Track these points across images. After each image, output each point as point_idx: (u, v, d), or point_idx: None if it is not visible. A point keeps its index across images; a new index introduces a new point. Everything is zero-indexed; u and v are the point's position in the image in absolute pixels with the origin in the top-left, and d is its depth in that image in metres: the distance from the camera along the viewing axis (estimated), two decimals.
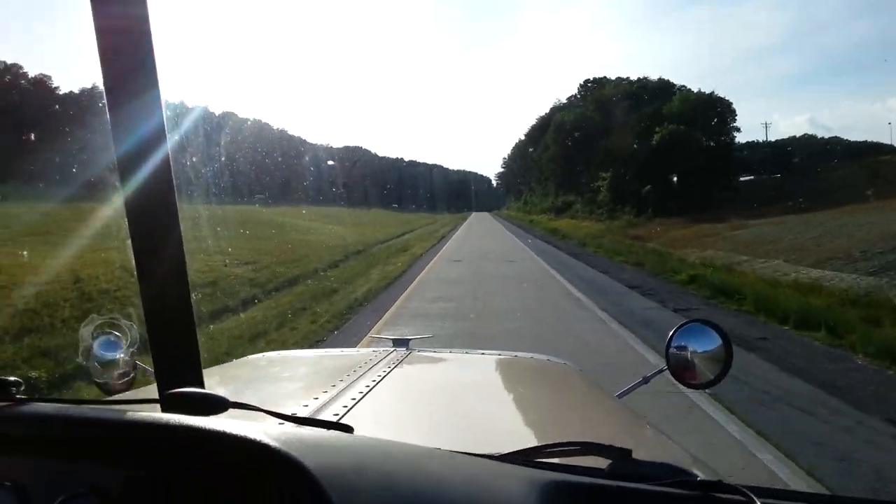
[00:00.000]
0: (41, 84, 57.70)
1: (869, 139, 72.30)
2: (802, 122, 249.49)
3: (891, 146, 57.05)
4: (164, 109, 0.85)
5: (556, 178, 65.76)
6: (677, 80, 56.19)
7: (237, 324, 10.34)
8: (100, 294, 11.93)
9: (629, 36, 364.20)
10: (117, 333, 1.50)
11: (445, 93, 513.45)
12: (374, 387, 1.40)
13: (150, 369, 1.12)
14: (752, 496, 0.71)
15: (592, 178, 52.07)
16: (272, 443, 0.62)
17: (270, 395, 1.51)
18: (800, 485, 3.81)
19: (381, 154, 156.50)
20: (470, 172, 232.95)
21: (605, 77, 67.38)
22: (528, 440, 1.16)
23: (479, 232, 46.23)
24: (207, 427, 0.66)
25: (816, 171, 45.41)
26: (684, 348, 1.75)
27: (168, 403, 0.76)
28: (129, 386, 1.49)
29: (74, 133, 39.39)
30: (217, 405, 0.74)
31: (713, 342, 1.72)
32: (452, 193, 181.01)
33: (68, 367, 8.54)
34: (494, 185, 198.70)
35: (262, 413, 0.82)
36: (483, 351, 2.18)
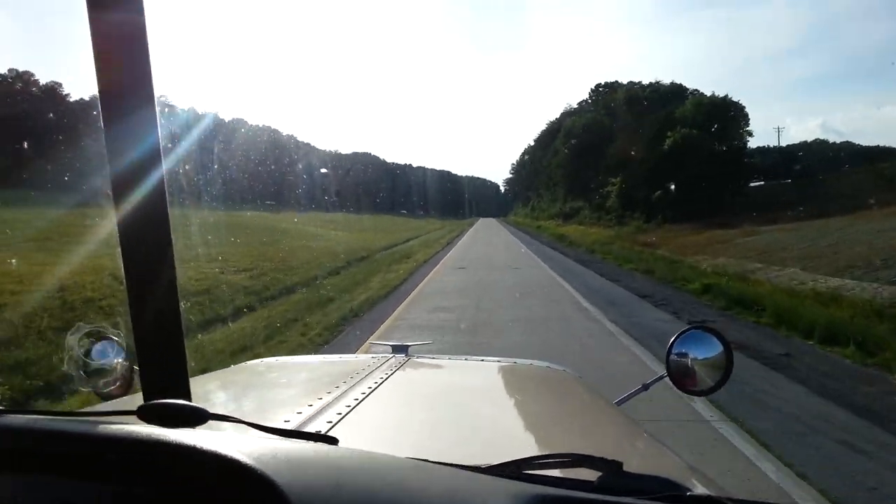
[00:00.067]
0: (52, 91, 57.82)
1: (882, 144, 71.10)
2: (814, 126, 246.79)
3: None
4: (157, 117, 0.84)
5: (564, 183, 65.43)
6: (689, 85, 55.51)
7: (223, 335, 9.75)
8: (83, 303, 11.39)
9: (641, 40, 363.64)
10: (111, 340, 1.51)
11: (454, 98, 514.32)
12: (369, 394, 1.38)
13: None
14: None
15: (601, 184, 51.68)
16: (244, 459, 0.61)
17: (264, 403, 1.51)
18: None
19: (389, 160, 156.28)
20: (478, 178, 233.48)
21: (616, 81, 66.76)
22: (521, 449, 1.02)
23: (484, 238, 45.52)
24: (179, 441, 0.65)
25: (829, 176, 44.75)
26: (685, 355, 1.76)
27: (144, 415, 0.72)
28: (127, 390, 1.47)
29: (85, 139, 39.33)
30: (195, 417, 0.72)
31: (714, 349, 1.71)
32: (460, 199, 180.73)
33: (38, 383, 8.04)
34: (502, 190, 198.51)
35: (244, 425, 0.79)
36: (483, 357, 2.14)
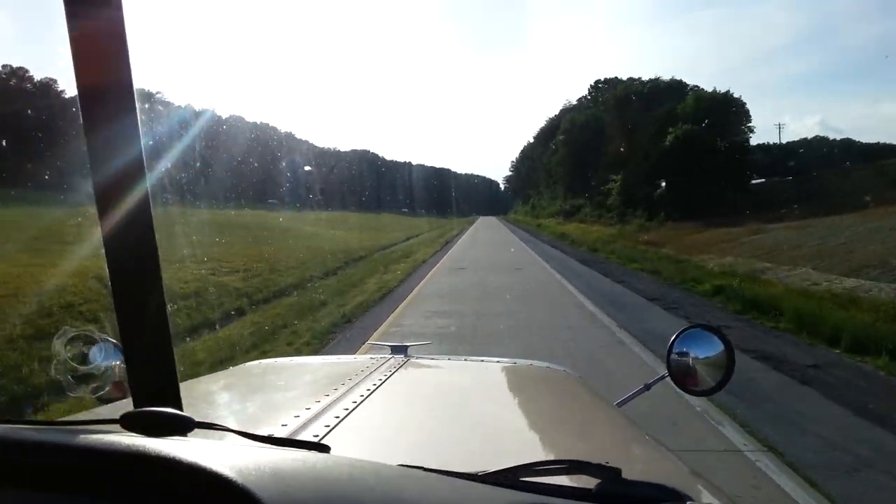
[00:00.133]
0: (47, 88, 57.08)
1: (882, 141, 70.51)
2: (813, 124, 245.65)
3: None
4: (138, 113, 0.84)
5: (564, 181, 64.94)
6: (688, 81, 54.90)
7: (205, 345, 9.12)
8: (61, 309, 10.77)
9: (640, 37, 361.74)
10: (101, 343, 1.49)
11: (453, 96, 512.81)
12: (368, 396, 1.38)
13: None
14: None
15: (602, 182, 51.14)
16: (224, 471, 0.58)
17: (260, 407, 1.48)
18: None
19: (389, 158, 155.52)
20: (477, 176, 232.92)
21: (616, 77, 66.19)
22: (520, 453, 1.05)
23: (484, 237, 44.84)
24: (159, 452, 0.62)
25: (830, 173, 44.28)
26: (686, 354, 1.75)
27: (128, 424, 0.71)
28: (126, 394, 1.32)
29: (81, 137, 38.67)
30: (181, 426, 0.71)
31: (715, 348, 1.71)
32: (460, 197, 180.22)
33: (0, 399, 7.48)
34: (502, 188, 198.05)
35: (232, 433, 0.79)
36: (482, 358, 2.12)
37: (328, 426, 1.11)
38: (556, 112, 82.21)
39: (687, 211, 36.36)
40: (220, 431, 0.79)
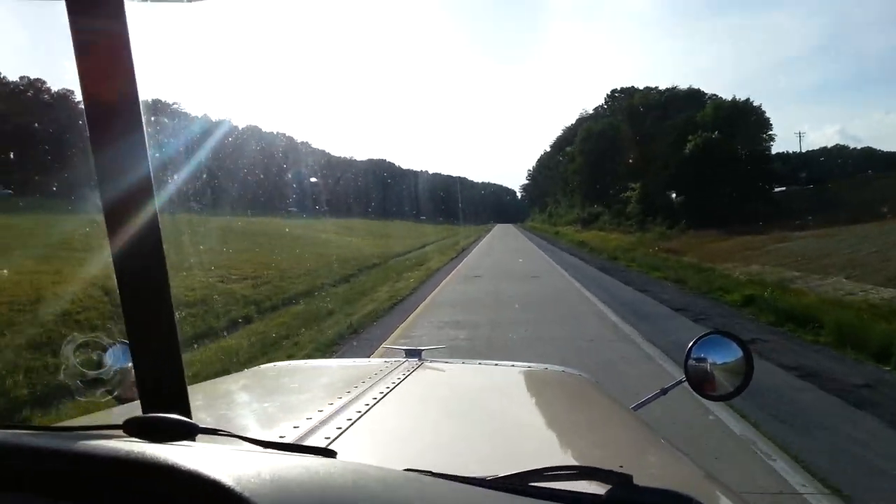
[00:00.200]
0: (64, 99, 57.40)
1: None
2: (832, 133, 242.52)
3: None
4: (143, 122, 0.83)
5: (582, 189, 64.27)
6: (706, 90, 54.27)
7: (205, 355, 8.60)
8: (56, 318, 10.29)
9: (656, 47, 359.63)
10: (110, 347, 1.49)
11: (470, 106, 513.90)
12: (380, 399, 1.37)
13: None
14: None
15: (620, 190, 50.49)
16: (222, 478, 0.57)
17: (271, 410, 1.44)
18: None
19: (405, 167, 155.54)
20: (494, 184, 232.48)
21: (632, 87, 65.65)
22: (532, 457, 1.00)
23: (501, 244, 44.15)
24: (157, 458, 0.61)
25: (852, 182, 43.43)
26: (703, 360, 1.74)
27: (131, 430, 0.70)
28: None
29: (89, 152, 38.95)
30: (185, 431, 0.70)
31: (733, 354, 1.69)
32: (477, 205, 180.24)
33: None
34: (519, 196, 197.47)
35: (237, 439, 0.78)
36: (497, 362, 2.05)
37: (340, 428, 1.11)
38: (573, 121, 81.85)
39: (707, 219, 35.80)
40: (224, 437, 0.77)
